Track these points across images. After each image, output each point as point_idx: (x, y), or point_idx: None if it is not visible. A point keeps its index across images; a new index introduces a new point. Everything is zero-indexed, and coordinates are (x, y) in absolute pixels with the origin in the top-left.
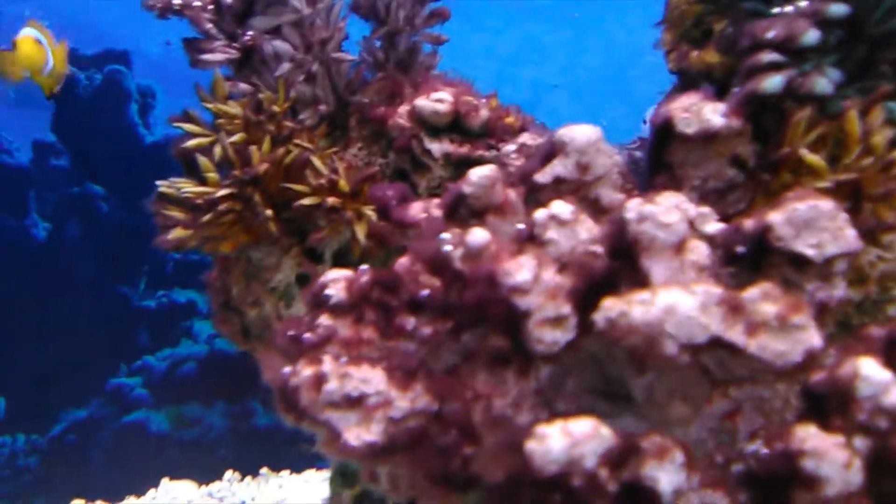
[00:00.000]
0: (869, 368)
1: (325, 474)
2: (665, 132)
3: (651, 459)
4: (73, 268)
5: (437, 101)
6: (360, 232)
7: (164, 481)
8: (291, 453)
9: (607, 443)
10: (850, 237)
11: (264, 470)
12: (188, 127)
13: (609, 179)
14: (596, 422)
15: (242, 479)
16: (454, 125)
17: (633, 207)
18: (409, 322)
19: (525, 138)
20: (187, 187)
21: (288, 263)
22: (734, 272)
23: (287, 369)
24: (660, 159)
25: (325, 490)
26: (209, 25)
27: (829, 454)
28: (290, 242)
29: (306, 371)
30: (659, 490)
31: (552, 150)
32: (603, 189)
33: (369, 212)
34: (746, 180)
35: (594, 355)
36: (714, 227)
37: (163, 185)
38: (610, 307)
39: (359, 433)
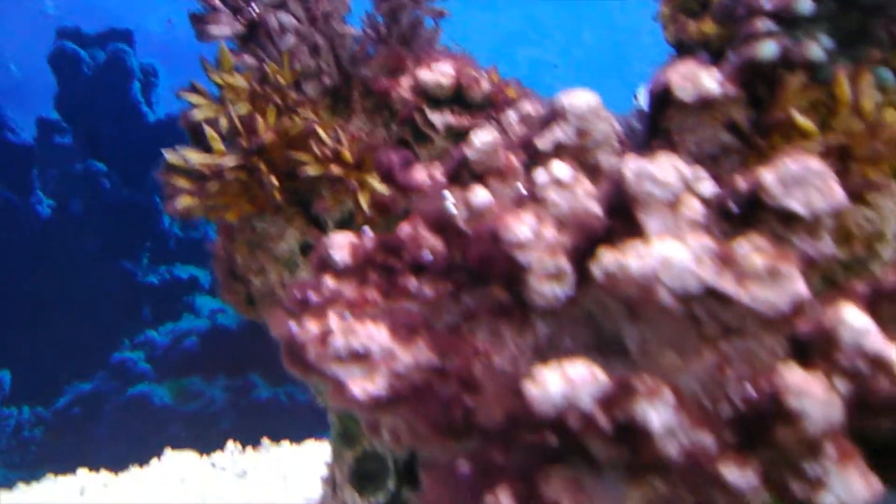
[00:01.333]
0: (852, 315)
1: (325, 444)
2: (663, 98)
3: (643, 398)
4: (76, 244)
5: (439, 73)
6: (364, 201)
7: (167, 452)
8: (291, 425)
9: (602, 385)
10: (838, 194)
11: (265, 441)
12: (195, 98)
13: (608, 145)
14: (592, 366)
15: (244, 450)
16: (456, 97)
17: (632, 166)
18: (412, 283)
19: (527, 107)
20: (195, 157)
21: (292, 233)
22: (727, 229)
23: (294, 326)
24: (657, 125)
25: (323, 459)
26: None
27: (811, 391)
28: (293, 212)
29: (313, 327)
30: (650, 428)
31: (552, 117)
32: (602, 154)
33: (373, 181)
34: (740, 145)
35: (590, 312)
36: (708, 187)
37: (170, 155)
38: (607, 258)
39: (364, 386)
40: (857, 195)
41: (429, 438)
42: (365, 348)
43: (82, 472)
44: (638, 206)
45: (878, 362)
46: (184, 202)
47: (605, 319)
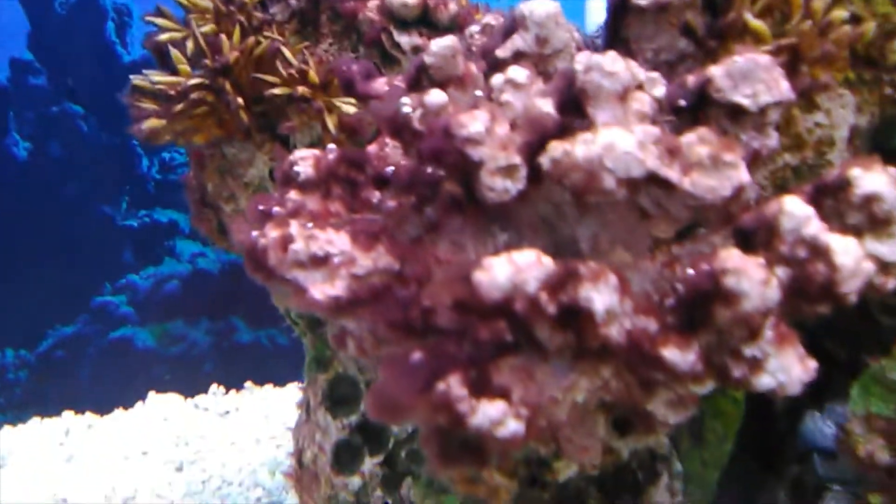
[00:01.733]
0: (792, 204)
1: None
2: (621, 5)
3: (587, 282)
4: (55, 187)
5: None
6: (331, 122)
7: (151, 394)
8: (274, 368)
9: (548, 269)
10: (783, 87)
11: (248, 383)
12: (160, 21)
13: (568, 53)
14: (539, 252)
15: (227, 392)
16: (423, 19)
17: (582, 59)
18: (375, 196)
19: (489, 19)
20: (160, 78)
21: (261, 158)
22: (678, 125)
23: (255, 232)
24: (616, 34)
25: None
26: None
27: (748, 271)
28: (262, 138)
29: (274, 233)
30: (593, 309)
31: (513, 26)
32: (561, 62)
33: (340, 103)
34: (696, 50)
35: (546, 217)
36: (661, 88)
37: (136, 79)
38: (555, 148)
39: (324, 289)
40: (807, 99)
41: (389, 340)
42: (325, 252)
43: (67, 415)
44: (588, 99)
45: (816, 248)
46: (150, 123)
47: (561, 223)
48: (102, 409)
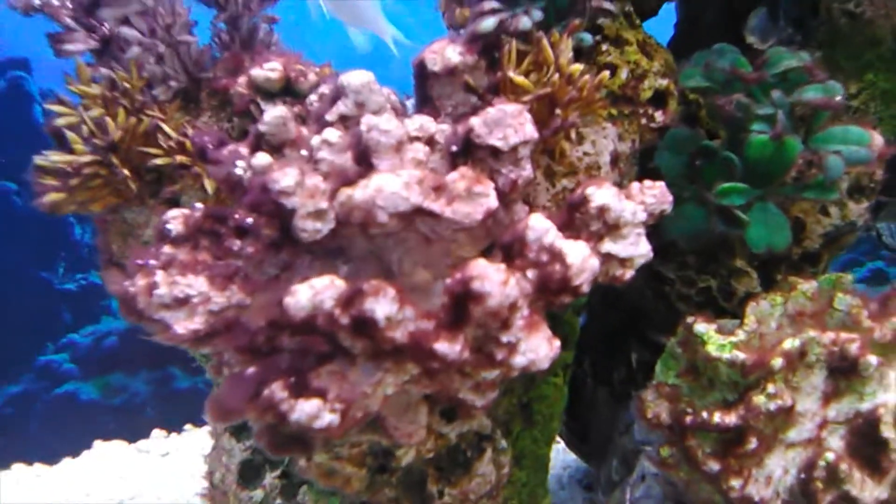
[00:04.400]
0: (535, 220)
1: None
2: (421, 71)
3: (370, 296)
4: None
5: (269, 69)
6: (209, 186)
7: (97, 443)
8: None
9: (339, 289)
10: (528, 129)
11: (188, 426)
12: (56, 108)
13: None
14: (333, 277)
15: (168, 436)
16: (286, 89)
17: (364, 120)
18: (236, 244)
19: (323, 88)
20: (56, 157)
21: (155, 220)
22: (455, 165)
23: (126, 282)
24: (423, 94)
25: None
26: (68, 19)
27: (490, 275)
28: (155, 202)
29: (141, 281)
30: (375, 317)
31: (337, 94)
32: None
33: None
34: (483, 104)
35: (373, 250)
36: (443, 136)
37: (38, 158)
38: (341, 193)
39: (185, 324)
40: (569, 134)
41: (239, 363)
42: (185, 294)
43: (17, 467)
44: (371, 153)
45: (553, 253)
46: (50, 197)
47: (383, 253)
48: (51, 459)
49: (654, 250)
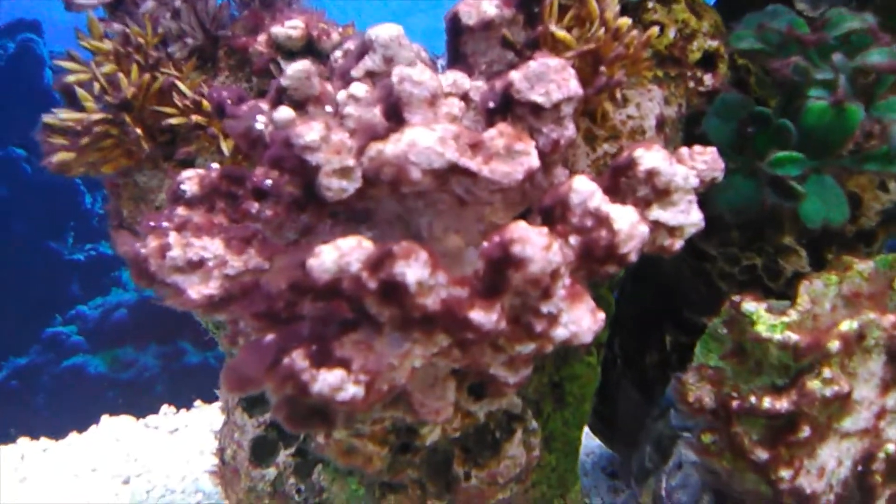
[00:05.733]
0: (579, 182)
1: None
2: (455, 26)
3: (401, 259)
4: (3, 227)
5: (290, 27)
6: (226, 147)
7: (105, 418)
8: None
9: (368, 251)
10: (572, 85)
11: (197, 402)
12: (66, 64)
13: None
14: (361, 238)
15: (178, 412)
16: (308, 48)
17: (396, 72)
18: (254, 206)
19: (348, 44)
20: (66, 115)
21: (169, 184)
22: (492, 123)
23: (138, 244)
24: (456, 51)
25: None
26: None
27: (531, 239)
28: (169, 165)
29: (153, 243)
30: (406, 282)
31: (363, 49)
32: None
33: None
34: (520, 60)
35: (400, 214)
36: (479, 92)
37: (46, 117)
38: (371, 148)
39: (199, 289)
40: (613, 94)
41: (256, 330)
42: (200, 257)
43: (23, 441)
44: (403, 106)
45: (599, 218)
46: (59, 157)
47: (411, 217)
48: (58, 433)
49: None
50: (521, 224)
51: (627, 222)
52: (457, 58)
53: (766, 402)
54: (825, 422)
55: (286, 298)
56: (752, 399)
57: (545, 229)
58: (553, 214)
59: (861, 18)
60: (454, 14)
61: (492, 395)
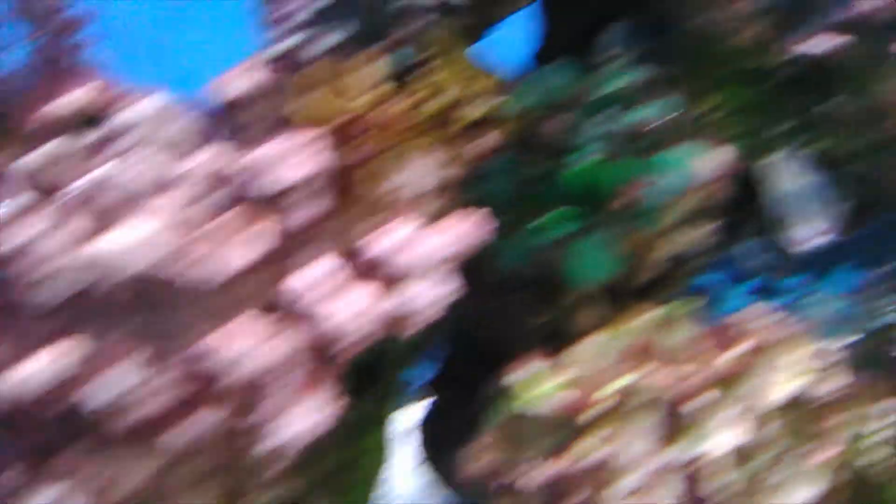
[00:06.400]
0: (306, 272)
1: None
2: (217, 98)
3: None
4: None
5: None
6: None
7: None
8: None
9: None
10: (319, 162)
11: None
12: None
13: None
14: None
15: None
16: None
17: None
18: None
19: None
20: None
21: None
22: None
23: None
24: (217, 123)
25: None
26: None
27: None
28: None
29: None
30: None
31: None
32: None
33: None
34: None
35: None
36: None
37: None
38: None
39: None
40: (373, 167)
41: None
42: None
43: None
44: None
45: (319, 311)
46: None
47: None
48: None
49: (489, 285)
50: (234, 323)
51: (351, 313)
52: (217, 130)
53: (530, 476)
54: (597, 486)
55: None
56: (518, 472)
57: (262, 325)
58: (276, 306)
59: (633, 75)
60: (216, 87)
61: None
